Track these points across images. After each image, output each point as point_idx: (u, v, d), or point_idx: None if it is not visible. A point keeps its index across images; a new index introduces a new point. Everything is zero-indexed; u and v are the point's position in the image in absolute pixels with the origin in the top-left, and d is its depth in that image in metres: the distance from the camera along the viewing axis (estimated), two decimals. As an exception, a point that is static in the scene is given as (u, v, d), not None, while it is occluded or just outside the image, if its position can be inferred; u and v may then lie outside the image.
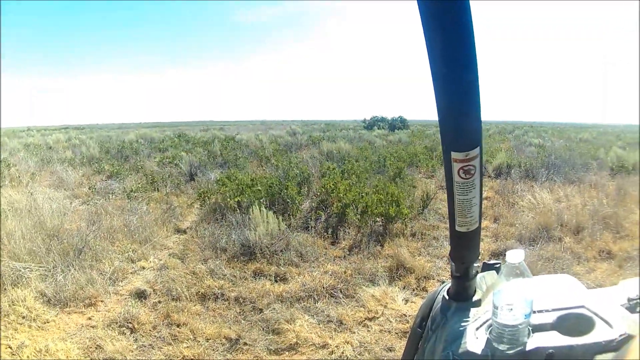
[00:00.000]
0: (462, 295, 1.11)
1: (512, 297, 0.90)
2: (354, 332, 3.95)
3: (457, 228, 0.98)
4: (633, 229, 6.33)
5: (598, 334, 0.90)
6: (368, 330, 3.99)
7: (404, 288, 4.76)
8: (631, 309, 0.94)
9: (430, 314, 1.20)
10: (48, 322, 4.10)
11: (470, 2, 0.73)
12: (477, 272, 1.11)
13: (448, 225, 1.03)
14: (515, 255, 0.92)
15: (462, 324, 1.03)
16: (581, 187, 8.75)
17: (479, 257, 1.11)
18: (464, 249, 1.05)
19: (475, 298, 1.11)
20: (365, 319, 4.16)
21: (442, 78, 0.80)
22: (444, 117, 0.85)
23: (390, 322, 4.10)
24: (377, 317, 4.18)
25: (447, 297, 1.13)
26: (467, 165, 0.88)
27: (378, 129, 38.02)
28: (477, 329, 1.00)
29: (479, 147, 0.87)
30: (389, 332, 3.97)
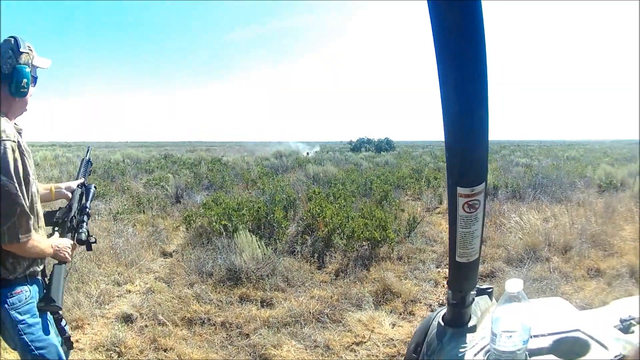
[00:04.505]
0: (457, 322, 1.14)
1: (511, 324, 0.93)
2: (341, 357, 3.96)
3: (457, 259, 1.01)
4: (621, 245, 6.39)
5: (594, 357, 0.95)
6: (355, 355, 4.00)
7: (390, 312, 4.78)
8: (624, 329, 0.99)
9: (425, 340, 1.22)
10: (36, 344, 4.05)
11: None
12: (474, 300, 1.15)
13: (448, 255, 1.06)
14: (514, 285, 0.94)
15: (460, 350, 1.06)
16: (569, 205, 8.78)
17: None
18: (462, 278, 1.08)
19: (470, 324, 1.13)
20: (353, 343, 4.16)
21: (453, 116, 0.82)
22: (452, 154, 0.87)
23: (378, 346, 4.11)
24: (364, 342, 4.19)
25: (442, 323, 1.16)
26: (472, 200, 0.91)
27: (365, 150, 38.27)
28: (475, 355, 1.03)
29: (484, 183, 0.90)
30: (376, 356, 3.97)
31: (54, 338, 2.22)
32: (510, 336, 0.94)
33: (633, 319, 1.01)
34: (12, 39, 2.07)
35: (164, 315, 4.58)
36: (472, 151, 0.86)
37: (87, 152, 2.97)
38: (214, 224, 6.86)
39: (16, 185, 1.96)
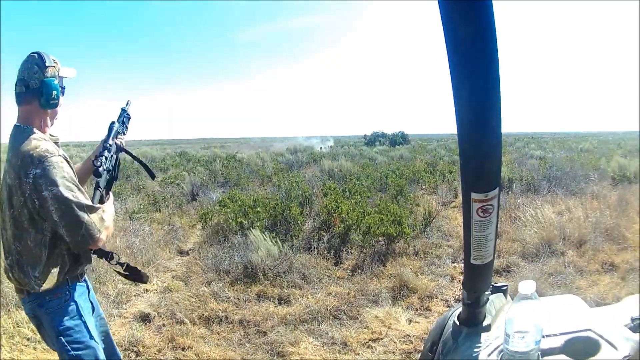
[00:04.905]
0: (472, 321, 1.14)
1: (524, 325, 0.94)
2: (358, 354, 3.96)
3: (472, 261, 1.02)
4: (635, 239, 6.30)
5: (604, 357, 0.94)
6: (372, 352, 3.99)
7: (407, 308, 4.76)
8: (634, 328, 0.98)
9: (441, 339, 1.23)
10: (53, 345, 4.11)
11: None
12: (488, 299, 1.15)
13: (463, 257, 1.07)
14: (527, 286, 0.94)
15: (474, 349, 1.07)
16: (583, 198, 8.68)
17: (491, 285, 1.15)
18: (477, 279, 1.08)
19: (485, 323, 1.14)
20: (369, 340, 4.15)
21: (468, 125, 0.83)
22: (467, 160, 0.88)
23: (394, 342, 4.10)
24: (381, 338, 4.18)
25: (457, 322, 1.16)
26: (486, 205, 0.92)
27: (379, 144, 38.13)
28: (489, 354, 1.03)
29: (498, 188, 0.91)
30: (393, 352, 3.96)
31: (92, 340, 2.24)
32: (523, 337, 0.94)
33: None
34: (36, 55, 2.10)
35: (182, 314, 4.61)
36: (486, 159, 0.87)
37: (127, 104, 2.83)
38: (230, 221, 6.89)
39: (75, 191, 2.05)
